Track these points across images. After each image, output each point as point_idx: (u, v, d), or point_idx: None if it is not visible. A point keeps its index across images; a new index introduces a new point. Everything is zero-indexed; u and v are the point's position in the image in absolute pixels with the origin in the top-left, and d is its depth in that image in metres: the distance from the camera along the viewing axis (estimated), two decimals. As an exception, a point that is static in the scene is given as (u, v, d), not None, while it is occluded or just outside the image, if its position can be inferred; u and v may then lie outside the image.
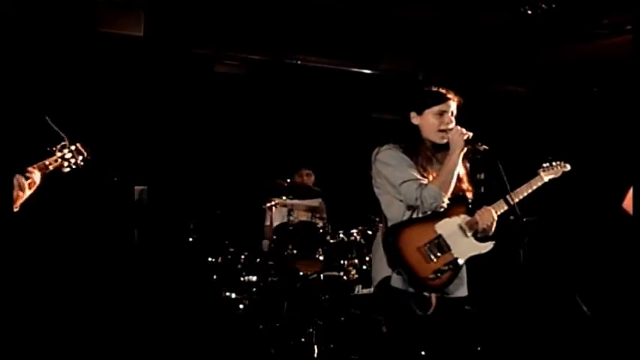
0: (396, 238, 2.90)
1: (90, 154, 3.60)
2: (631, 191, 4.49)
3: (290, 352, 4.87)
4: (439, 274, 2.87)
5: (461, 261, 2.93)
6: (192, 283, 5.43)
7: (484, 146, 2.94)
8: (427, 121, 3.01)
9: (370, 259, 5.11)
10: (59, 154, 3.52)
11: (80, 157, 3.58)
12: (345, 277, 5.10)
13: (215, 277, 5.46)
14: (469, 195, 3.06)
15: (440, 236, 2.92)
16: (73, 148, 3.56)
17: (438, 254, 2.90)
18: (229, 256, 5.49)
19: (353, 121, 7.12)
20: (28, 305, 4.66)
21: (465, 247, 2.96)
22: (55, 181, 3.59)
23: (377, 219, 5.19)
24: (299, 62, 6.07)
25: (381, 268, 2.97)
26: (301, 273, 5.30)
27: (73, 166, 3.57)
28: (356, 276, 5.10)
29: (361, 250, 5.18)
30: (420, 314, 2.86)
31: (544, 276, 6.00)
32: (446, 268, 2.88)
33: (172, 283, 5.63)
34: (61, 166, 3.53)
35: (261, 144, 6.62)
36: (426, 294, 2.89)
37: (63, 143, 3.55)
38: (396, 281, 2.91)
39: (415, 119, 3.04)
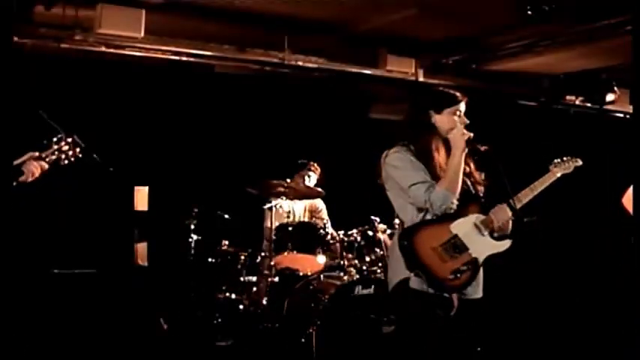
0: (411, 239, 2.89)
1: (87, 146, 3.58)
2: (630, 189, 4.49)
3: (290, 352, 4.87)
4: (458, 275, 2.85)
5: (480, 260, 2.92)
6: (193, 283, 5.43)
7: (485, 147, 2.95)
8: (446, 120, 3.02)
9: (370, 259, 5.12)
10: (55, 146, 3.50)
11: (77, 149, 3.56)
12: (345, 278, 5.10)
13: (215, 277, 5.46)
14: (481, 192, 3.06)
15: (456, 236, 2.90)
16: (69, 140, 3.54)
17: (456, 254, 2.88)
18: (229, 256, 5.49)
19: (352, 121, 7.12)
20: (27, 306, 4.66)
21: (482, 246, 2.94)
22: (54, 178, 3.59)
23: (377, 219, 5.19)
24: (299, 62, 6.07)
25: (399, 270, 2.95)
26: (301, 273, 5.31)
27: (71, 159, 3.55)
28: (356, 276, 5.09)
29: (361, 250, 5.17)
30: (441, 315, 2.84)
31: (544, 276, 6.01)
32: (465, 268, 2.86)
33: (172, 282, 5.64)
34: (59, 159, 3.51)
35: (261, 144, 6.62)
36: (446, 295, 2.87)
37: (59, 136, 3.53)
38: (415, 283, 2.89)
39: (434, 118, 3.04)
